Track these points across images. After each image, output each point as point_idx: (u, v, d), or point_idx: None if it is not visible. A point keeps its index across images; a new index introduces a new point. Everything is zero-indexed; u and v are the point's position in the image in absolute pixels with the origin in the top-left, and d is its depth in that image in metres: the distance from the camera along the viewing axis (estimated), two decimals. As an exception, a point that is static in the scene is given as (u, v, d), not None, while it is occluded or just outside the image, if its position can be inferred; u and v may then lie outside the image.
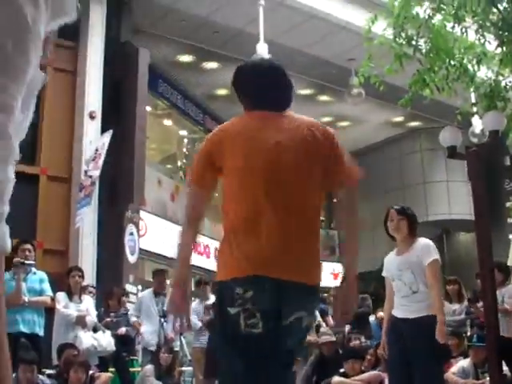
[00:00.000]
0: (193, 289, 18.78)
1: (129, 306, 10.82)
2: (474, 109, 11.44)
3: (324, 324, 10.74)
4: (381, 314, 9.94)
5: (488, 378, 7.06)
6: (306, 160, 3.00)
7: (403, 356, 5.43)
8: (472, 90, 10.72)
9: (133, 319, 9.64)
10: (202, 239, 20.01)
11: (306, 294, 2.92)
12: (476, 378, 7.41)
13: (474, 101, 11.48)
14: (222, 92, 20.73)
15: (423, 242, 5.65)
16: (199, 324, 9.68)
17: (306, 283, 2.90)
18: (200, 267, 19.44)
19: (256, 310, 2.82)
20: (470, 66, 10.14)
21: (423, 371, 5.29)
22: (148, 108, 17.08)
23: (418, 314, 5.40)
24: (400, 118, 23.71)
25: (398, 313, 5.61)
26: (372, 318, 12.66)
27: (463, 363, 7.56)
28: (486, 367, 7.16)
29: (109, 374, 8.10)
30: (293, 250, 2.90)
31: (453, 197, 23.86)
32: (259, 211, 2.92)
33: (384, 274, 5.89)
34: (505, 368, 7.35)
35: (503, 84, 10.33)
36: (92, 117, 13.45)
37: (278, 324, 2.86)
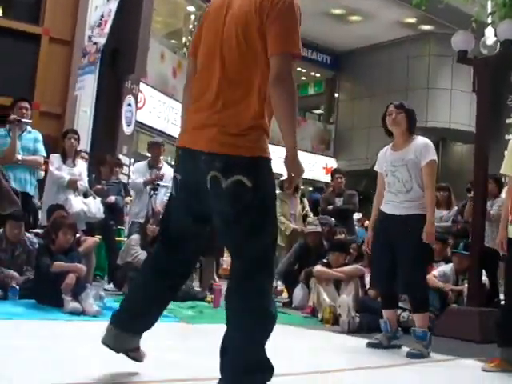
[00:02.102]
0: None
1: (121, 177, 10.85)
2: (489, 19, 11.21)
3: (311, 214, 10.83)
4: (367, 222, 10.03)
5: (466, 285, 7.20)
6: (243, 32, 2.95)
7: (387, 252, 5.49)
8: (490, -3, 10.48)
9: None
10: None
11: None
12: (455, 284, 7.55)
13: (490, 10, 11.23)
14: (236, -29, 20.19)
15: (422, 140, 5.58)
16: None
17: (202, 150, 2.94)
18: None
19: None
20: (491, -27, 9.89)
21: (407, 269, 5.37)
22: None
23: (407, 212, 5.42)
24: (412, 20, 23.30)
25: (386, 208, 5.63)
26: (356, 217, 12.77)
27: (445, 268, 7.69)
28: (467, 275, 7.28)
29: (95, 239, 8.16)
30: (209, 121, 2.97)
31: (454, 106, 23.75)
32: (199, 86, 3.11)
33: (376, 168, 5.86)
34: (484, 278, 7.49)
35: (523, -6, 10.10)
36: (100, -19, 13.12)
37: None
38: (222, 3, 3.12)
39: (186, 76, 3.41)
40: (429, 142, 5.60)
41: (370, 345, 5.65)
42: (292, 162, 2.92)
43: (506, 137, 20.55)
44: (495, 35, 8.00)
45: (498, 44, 7.74)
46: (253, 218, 2.89)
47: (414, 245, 5.34)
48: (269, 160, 2.96)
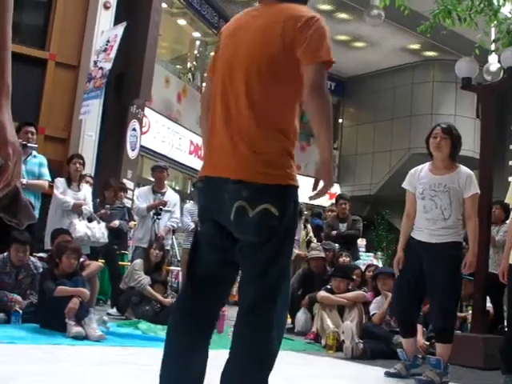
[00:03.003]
0: (188, 191, 18.96)
1: (125, 201, 10.88)
2: (493, 46, 11.27)
3: (315, 239, 10.83)
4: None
5: (471, 312, 7.17)
6: (263, 50, 2.87)
7: (414, 279, 5.40)
8: (494, 24, 10.53)
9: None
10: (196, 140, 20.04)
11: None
12: (460, 311, 7.53)
13: (494, 37, 11.30)
14: (241, -4, 20.40)
15: (467, 171, 5.49)
16: (192, 225, 9.74)
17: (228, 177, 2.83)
18: (198, 170, 19.56)
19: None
20: (495, 0, 9.95)
21: (442, 297, 5.28)
22: (164, 5, 16.79)
23: (443, 240, 5.33)
24: (416, 46, 23.41)
25: (420, 236, 5.50)
26: (360, 243, 12.76)
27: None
28: (471, 301, 7.26)
29: (99, 263, 8.18)
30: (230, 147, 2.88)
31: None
32: (214, 109, 2.99)
33: (407, 186, 5.70)
34: (488, 304, 7.47)
35: (526, 23, 10.16)
36: (106, 7, 13.21)
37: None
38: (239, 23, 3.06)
39: (202, 98, 3.32)
40: (472, 173, 5.51)
41: (388, 374, 5.55)
42: (328, 172, 2.81)
43: (510, 162, 20.63)
44: (499, 62, 8.04)
45: (502, 71, 7.78)
46: (277, 245, 2.83)
47: (450, 272, 5.27)
48: (296, 188, 2.89)
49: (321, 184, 2.83)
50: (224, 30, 3.14)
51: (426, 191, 5.47)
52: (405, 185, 5.74)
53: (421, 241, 5.46)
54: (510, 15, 10.52)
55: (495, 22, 10.42)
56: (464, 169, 5.51)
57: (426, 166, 5.64)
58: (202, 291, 3.00)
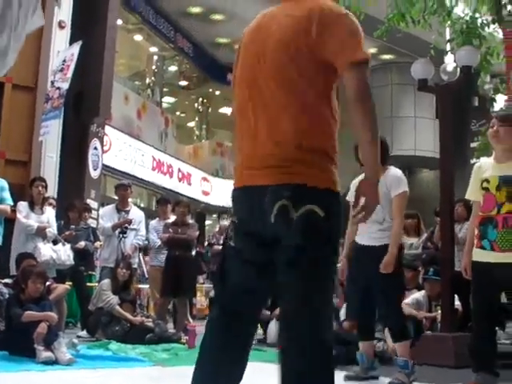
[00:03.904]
0: (153, 207, 18.87)
1: (90, 221, 10.79)
2: (448, 46, 11.37)
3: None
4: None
5: (440, 312, 7.21)
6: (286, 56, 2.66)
7: (362, 283, 5.50)
8: (448, 25, 10.64)
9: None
10: (165, 159, 20.00)
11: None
12: (429, 311, 7.58)
13: (448, 37, 11.40)
14: (196, 10, 20.39)
15: (394, 172, 5.57)
16: (158, 242, 9.69)
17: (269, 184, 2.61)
18: (162, 186, 19.50)
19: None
20: (447, 1, 10.06)
21: (383, 300, 5.40)
22: (119, 21, 16.74)
23: (380, 243, 5.42)
24: (373, 50, 23.57)
25: (360, 239, 5.63)
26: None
27: (417, 295, 7.71)
28: (440, 301, 7.30)
29: (66, 286, 8.12)
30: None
31: (419, 133, 24.01)
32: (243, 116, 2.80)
33: (349, 198, 5.70)
34: (457, 303, 7.51)
35: (479, 21, 10.26)
36: (61, 26, 13.13)
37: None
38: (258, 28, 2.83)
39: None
40: (400, 173, 5.59)
41: (347, 377, 5.62)
42: (374, 188, 2.74)
43: (472, 161, 20.81)
44: (455, 61, 8.11)
45: (458, 70, 7.84)
46: (324, 250, 2.62)
47: (387, 275, 5.31)
48: (337, 193, 2.74)
49: (362, 201, 2.75)
50: (245, 33, 2.89)
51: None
52: (348, 197, 5.79)
53: (361, 244, 5.60)
54: (463, 15, 10.63)
55: (449, 23, 10.52)
56: (392, 170, 5.60)
57: (362, 175, 5.70)
58: (236, 307, 2.78)
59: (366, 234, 5.56)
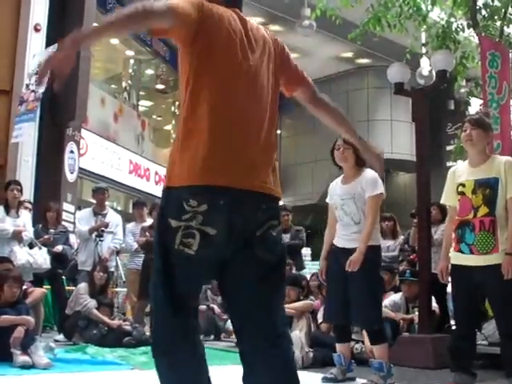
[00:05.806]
0: (130, 210, 18.81)
1: (66, 224, 10.74)
2: (424, 50, 11.47)
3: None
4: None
5: (417, 313, 7.25)
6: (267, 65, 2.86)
7: (340, 285, 5.49)
8: (423, 29, 10.74)
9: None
10: (142, 162, 19.94)
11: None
12: (406, 313, 7.62)
13: (424, 41, 11.50)
14: (173, 13, 20.33)
15: (370, 174, 5.56)
16: (135, 245, 9.67)
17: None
18: (139, 189, 19.44)
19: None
20: (423, 6, 10.15)
21: (361, 302, 5.37)
22: (95, 24, 16.66)
23: (357, 244, 5.41)
24: (349, 54, 23.73)
25: (338, 242, 5.66)
26: (305, 252, 12.80)
27: (395, 297, 7.75)
28: (417, 303, 7.33)
29: (43, 290, 8.07)
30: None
31: (395, 136, 24.16)
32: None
33: (328, 200, 5.86)
34: (434, 304, 7.56)
35: (455, 26, 10.37)
36: (37, 29, 13.05)
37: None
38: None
39: None
40: (375, 175, 5.54)
41: (325, 379, 5.65)
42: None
43: (448, 163, 20.99)
44: (430, 65, 8.17)
45: (434, 73, 7.90)
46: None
47: (366, 275, 5.33)
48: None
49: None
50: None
51: (337, 202, 5.65)
52: (327, 199, 5.90)
53: (339, 247, 5.63)
54: (438, 19, 10.73)
55: (424, 27, 10.62)
56: (368, 172, 5.58)
57: (340, 177, 5.77)
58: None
59: (343, 236, 5.60)
